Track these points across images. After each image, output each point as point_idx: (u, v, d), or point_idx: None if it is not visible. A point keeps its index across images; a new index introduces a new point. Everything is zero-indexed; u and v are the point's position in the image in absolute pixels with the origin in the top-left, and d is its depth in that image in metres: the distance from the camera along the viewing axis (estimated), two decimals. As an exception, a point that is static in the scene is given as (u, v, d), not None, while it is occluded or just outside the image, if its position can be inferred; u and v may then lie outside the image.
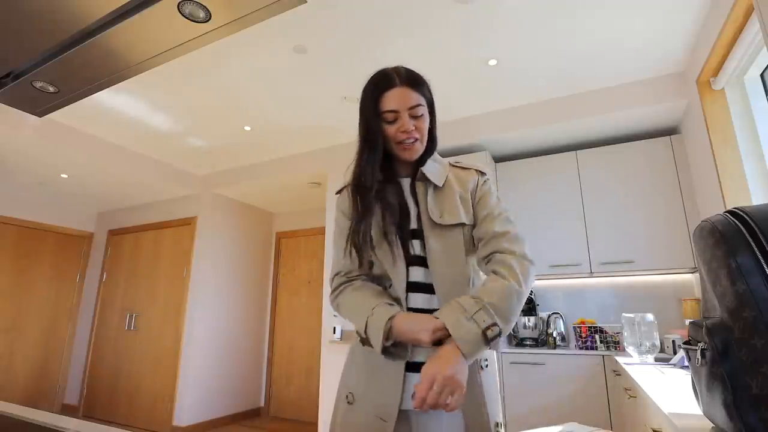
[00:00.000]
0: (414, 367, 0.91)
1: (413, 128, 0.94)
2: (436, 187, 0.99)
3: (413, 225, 0.98)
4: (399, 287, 0.94)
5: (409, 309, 0.93)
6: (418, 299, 0.94)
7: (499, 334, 0.81)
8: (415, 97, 0.95)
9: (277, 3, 0.70)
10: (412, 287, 0.95)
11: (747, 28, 1.86)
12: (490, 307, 0.82)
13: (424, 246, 0.96)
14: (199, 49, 0.82)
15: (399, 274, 0.94)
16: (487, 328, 0.80)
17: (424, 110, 0.96)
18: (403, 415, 0.90)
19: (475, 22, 2.21)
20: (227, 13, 0.73)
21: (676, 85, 2.65)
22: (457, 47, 2.41)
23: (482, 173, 1.04)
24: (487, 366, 0.95)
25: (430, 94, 1.00)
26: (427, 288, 0.95)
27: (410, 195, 1.01)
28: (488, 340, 0.80)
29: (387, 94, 0.94)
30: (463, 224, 0.96)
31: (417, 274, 0.95)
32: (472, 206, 1.00)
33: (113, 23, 0.75)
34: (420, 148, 0.98)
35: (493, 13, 2.15)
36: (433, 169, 1.01)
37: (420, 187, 1.00)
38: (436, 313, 0.86)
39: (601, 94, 2.83)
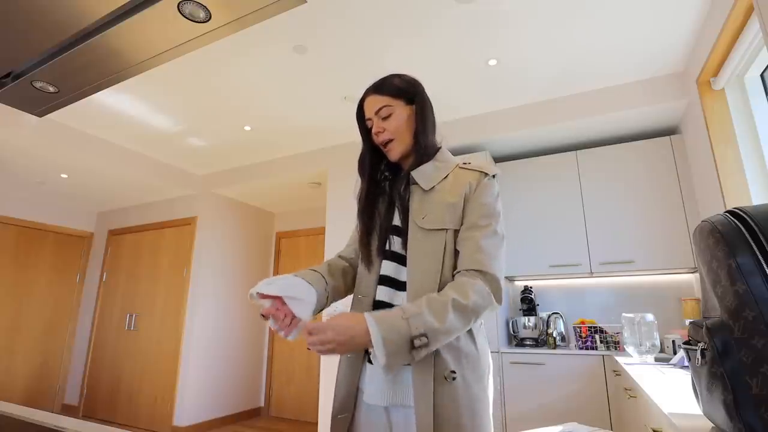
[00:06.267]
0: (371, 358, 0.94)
1: (382, 129, 1.01)
2: (424, 189, 0.99)
3: (397, 222, 1.01)
4: (371, 278, 1.00)
5: (376, 301, 0.97)
6: (383, 292, 0.98)
7: (427, 344, 0.79)
8: (380, 100, 1.02)
9: (277, 3, 0.71)
10: (382, 280, 0.99)
11: (747, 28, 1.86)
12: (428, 315, 0.81)
13: (405, 244, 0.97)
14: (200, 49, 0.83)
15: (374, 266, 1.00)
16: (417, 336, 0.78)
17: (391, 109, 1.01)
18: (367, 407, 0.95)
19: (475, 22, 2.21)
20: (227, 13, 0.73)
21: (676, 85, 2.65)
22: (457, 47, 2.41)
23: (485, 174, 0.99)
24: (454, 379, 0.86)
25: (403, 90, 1.03)
26: (393, 283, 0.98)
27: (399, 193, 1.03)
28: (413, 347, 0.78)
29: (363, 105, 1.06)
30: (446, 230, 0.95)
31: (389, 268, 0.98)
32: (463, 210, 0.96)
33: (113, 23, 0.75)
34: (398, 146, 1.02)
35: (494, 13, 2.15)
36: (425, 171, 1.01)
37: (412, 188, 1.01)
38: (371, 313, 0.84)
39: (601, 94, 2.83)
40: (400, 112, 1.02)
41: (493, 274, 0.89)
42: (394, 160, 1.05)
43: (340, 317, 0.81)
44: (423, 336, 0.79)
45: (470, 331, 0.93)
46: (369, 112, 1.04)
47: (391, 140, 1.02)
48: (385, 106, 1.01)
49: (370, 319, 0.79)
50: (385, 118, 1.01)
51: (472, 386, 0.88)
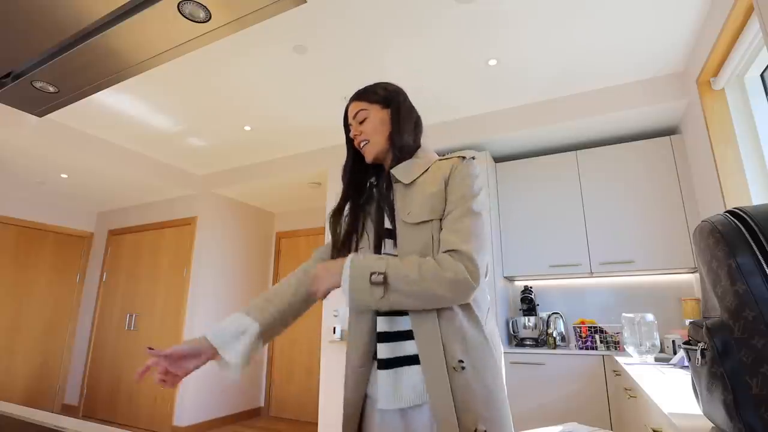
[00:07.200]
0: (382, 363, 0.91)
1: (359, 132, 1.08)
2: (406, 185, 1.01)
3: (387, 225, 1.01)
4: None
5: None
6: None
7: (384, 282, 0.88)
8: (358, 105, 1.09)
9: (277, 3, 0.71)
10: None
11: (747, 28, 1.87)
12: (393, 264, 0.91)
13: (395, 245, 0.98)
14: (200, 49, 0.83)
15: None
16: (374, 273, 0.89)
17: (366, 113, 1.07)
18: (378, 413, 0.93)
19: (475, 22, 2.21)
20: (227, 13, 0.73)
21: (676, 85, 2.65)
22: (457, 47, 2.41)
23: (462, 158, 1.01)
24: (463, 369, 0.87)
25: (379, 95, 1.09)
26: None
27: (382, 192, 1.04)
28: (371, 283, 0.88)
29: (347, 113, 1.12)
30: (431, 220, 0.95)
31: None
32: (445, 196, 0.97)
33: (113, 23, 0.75)
34: (372, 147, 1.06)
35: (494, 13, 2.15)
36: (404, 167, 1.03)
37: (395, 187, 1.03)
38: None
39: (601, 94, 2.83)
40: (375, 115, 1.07)
41: (466, 252, 0.88)
42: (369, 161, 1.09)
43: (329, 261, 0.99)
44: (381, 274, 0.88)
45: (477, 320, 0.92)
46: (350, 117, 1.10)
47: (366, 141, 1.07)
48: (361, 110, 1.08)
49: (350, 255, 0.94)
50: (361, 122, 1.08)
51: (483, 375, 0.88)
